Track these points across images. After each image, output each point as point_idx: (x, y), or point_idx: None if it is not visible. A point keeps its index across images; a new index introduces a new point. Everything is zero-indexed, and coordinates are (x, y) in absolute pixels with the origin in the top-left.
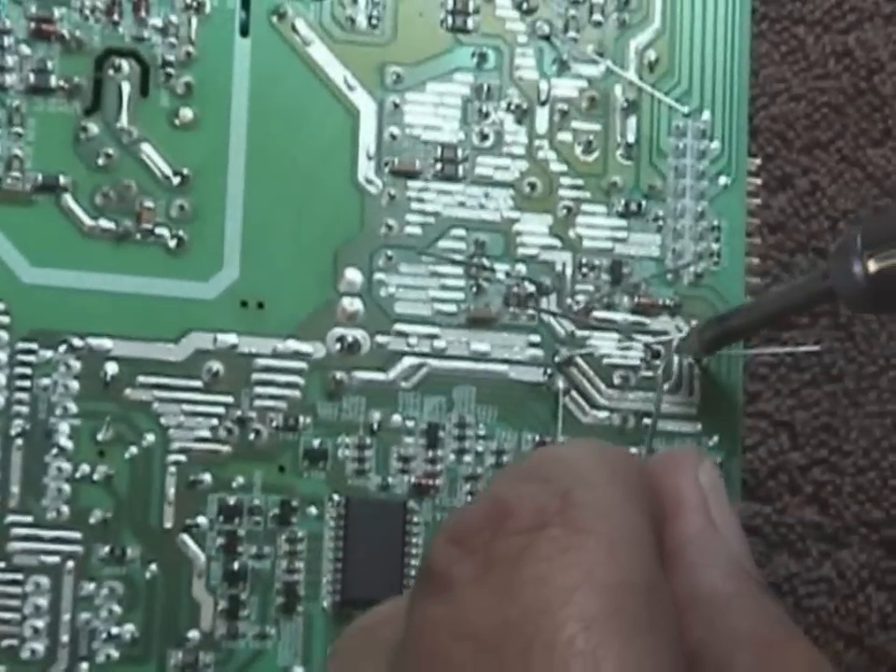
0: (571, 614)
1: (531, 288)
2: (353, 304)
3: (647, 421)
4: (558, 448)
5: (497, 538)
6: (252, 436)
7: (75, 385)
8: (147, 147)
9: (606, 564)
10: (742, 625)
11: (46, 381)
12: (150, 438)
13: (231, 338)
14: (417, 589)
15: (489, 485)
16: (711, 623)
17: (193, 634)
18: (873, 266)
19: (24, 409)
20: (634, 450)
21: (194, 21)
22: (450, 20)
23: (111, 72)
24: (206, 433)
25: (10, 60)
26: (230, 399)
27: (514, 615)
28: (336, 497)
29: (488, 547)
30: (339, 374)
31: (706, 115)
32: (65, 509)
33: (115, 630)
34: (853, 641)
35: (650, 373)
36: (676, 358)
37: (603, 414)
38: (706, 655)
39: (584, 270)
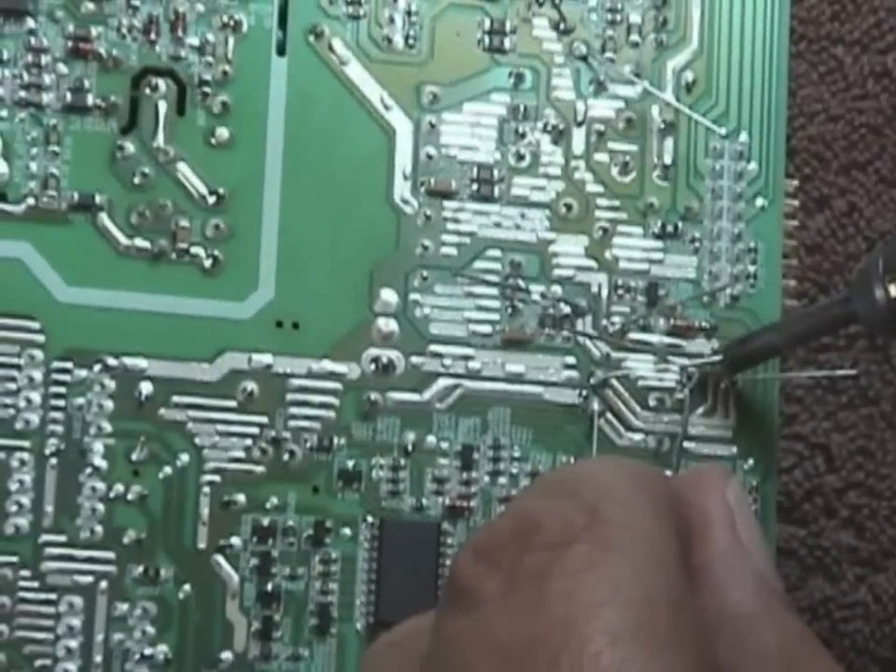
0: (598, 629)
1: (567, 310)
2: (388, 325)
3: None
4: (585, 464)
5: (524, 553)
6: (286, 456)
7: (109, 404)
8: (183, 167)
9: (632, 579)
10: (768, 643)
11: (80, 400)
12: (185, 458)
13: (265, 358)
14: (444, 603)
15: (515, 500)
16: (737, 640)
17: (226, 655)
18: (894, 291)
19: (59, 428)
20: (668, 472)
21: (231, 40)
22: (487, 40)
23: (148, 91)
24: (240, 453)
25: (47, 78)
26: (264, 420)
27: (541, 630)
28: (370, 518)
29: (515, 562)
30: (373, 395)
31: (743, 136)
32: (99, 528)
33: (148, 651)
34: (889, 666)
35: (685, 396)
36: (710, 380)
37: (638, 437)
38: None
39: (620, 291)
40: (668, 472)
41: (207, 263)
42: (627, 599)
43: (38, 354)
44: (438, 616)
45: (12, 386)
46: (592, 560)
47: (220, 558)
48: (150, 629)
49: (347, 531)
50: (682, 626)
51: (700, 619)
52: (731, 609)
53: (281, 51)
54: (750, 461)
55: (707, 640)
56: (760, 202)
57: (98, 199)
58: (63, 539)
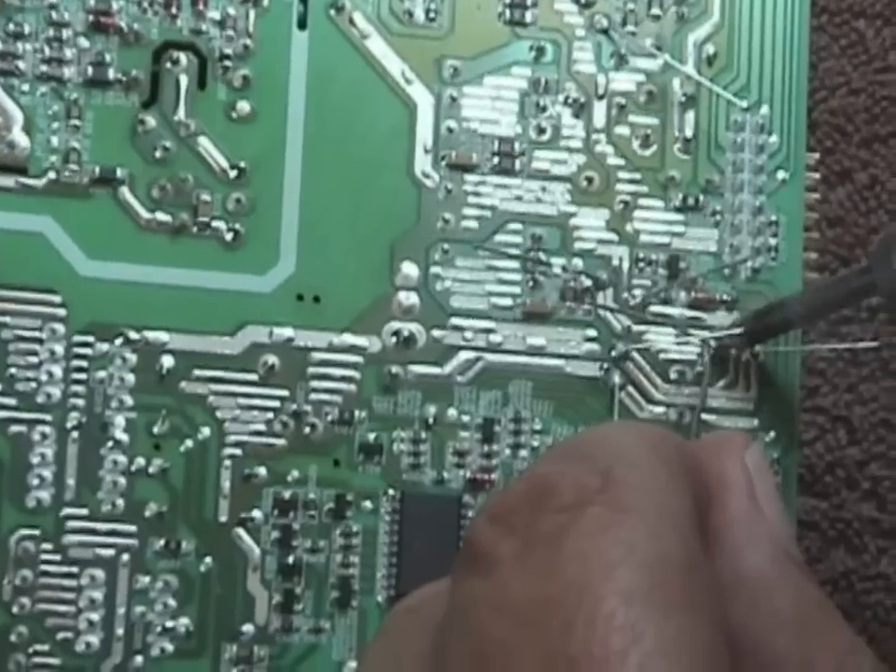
0: (612, 589)
1: (588, 283)
2: (409, 298)
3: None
4: (600, 428)
5: (539, 515)
6: (307, 430)
7: (131, 378)
8: (204, 140)
9: (646, 540)
10: (783, 607)
11: (102, 374)
12: (206, 431)
13: (286, 331)
14: (459, 567)
15: (531, 465)
16: (753, 604)
17: (248, 628)
18: None
19: (80, 402)
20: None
21: (252, 13)
22: (508, 13)
23: (169, 65)
24: (262, 427)
25: (69, 53)
26: (285, 393)
27: (555, 591)
28: (391, 491)
29: (530, 525)
30: (394, 368)
31: (764, 109)
32: (121, 502)
33: (169, 623)
34: None
35: (704, 368)
36: (732, 352)
37: (659, 409)
38: (746, 636)
39: (641, 264)
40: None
41: (228, 237)
42: (641, 560)
43: (60, 328)
44: (453, 580)
45: (34, 360)
46: (606, 522)
47: (242, 531)
48: (172, 602)
49: (368, 504)
50: (696, 587)
51: (715, 580)
52: (746, 573)
53: (302, 25)
54: (772, 434)
55: (721, 602)
56: (781, 175)
57: (119, 173)
58: (84, 512)
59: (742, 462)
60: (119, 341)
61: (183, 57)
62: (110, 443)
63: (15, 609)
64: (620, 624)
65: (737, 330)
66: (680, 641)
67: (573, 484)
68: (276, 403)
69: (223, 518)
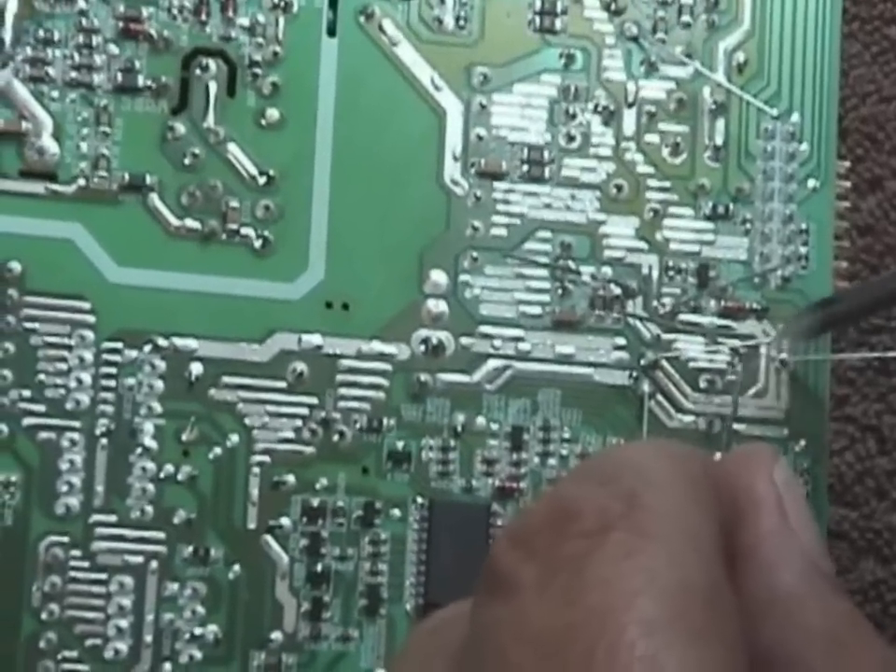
0: (633, 618)
1: (617, 291)
2: (438, 306)
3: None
4: (624, 448)
5: (561, 540)
6: (336, 437)
7: (160, 384)
8: (233, 147)
9: (668, 568)
10: (815, 624)
11: (131, 381)
12: (234, 438)
13: (315, 339)
14: (480, 590)
15: (554, 486)
16: (785, 622)
17: (276, 635)
18: None
19: (109, 408)
20: (718, 455)
21: (281, 20)
22: (537, 20)
23: (198, 71)
24: (290, 434)
25: (98, 59)
26: (314, 401)
27: (577, 618)
28: (420, 499)
29: (551, 550)
30: (423, 376)
31: (795, 117)
32: (149, 508)
33: (198, 631)
34: None
35: (736, 377)
36: (763, 362)
37: (688, 418)
38: (778, 654)
39: (671, 273)
40: (718, 455)
41: (257, 244)
42: (663, 588)
43: (89, 334)
44: (474, 603)
45: (63, 367)
46: (628, 548)
47: (270, 539)
48: (200, 609)
49: (397, 512)
50: (719, 615)
51: (738, 607)
52: (778, 591)
53: (331, 32)
54: (801, 443)
55: (745, 622)
56: (811, 183)
57: (148, 179)
58: (113, 519)
59: (770, 477)
60: (147, 348)
61: (212, 64)
62: (139, 450)
63: (44, 616)
64: (641, 655)
65: (770, 339)
66: (702, 671)
67: (596, 509)
68: (305, 411)
69: (252, 525)
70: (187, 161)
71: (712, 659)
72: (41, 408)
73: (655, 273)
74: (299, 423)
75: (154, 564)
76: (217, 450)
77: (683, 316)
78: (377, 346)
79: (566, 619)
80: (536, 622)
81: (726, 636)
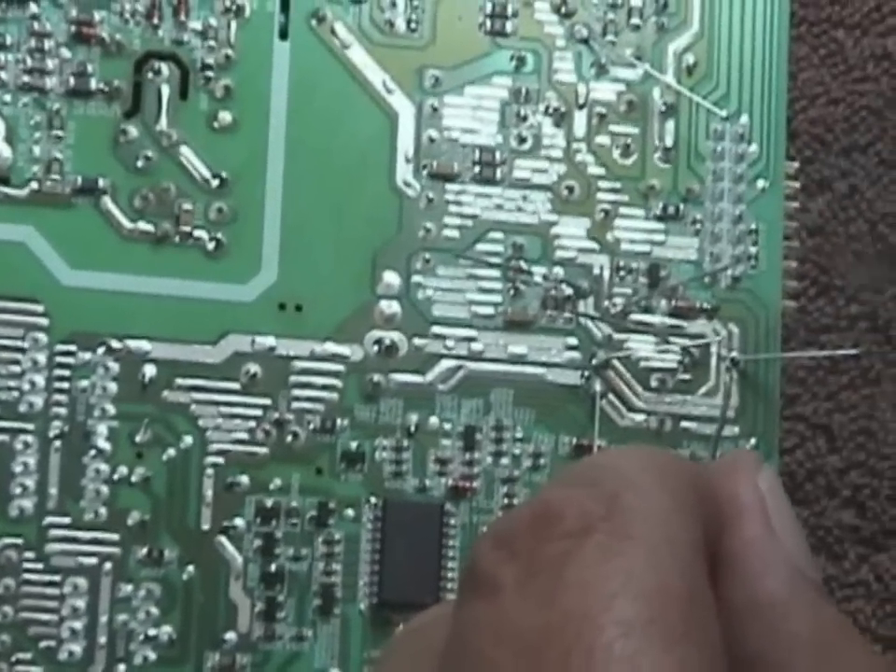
0: (611, 620)
1: (568, 291)
2: (390, 307)
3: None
4: (608, 453)
5: (543, 541)
6: (289, 438)
7: (113, 387)
8: (186, 150)
9: (646, 570)
10: (802, 631)
11: (84, 383)
12: (188, 440)
13: (268, 340)
14: (462, 589)
15: (540, 490)
16: (770, 628)
17: (230, 636)
18: None
19: (63, 411)
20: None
21: (233, 24)
22: (488, 23)
23: (150, 75)
24: (244, 435)
25: (50, 63)
26: (267, 402)
27: (555, 619)
28: (373, 499)
29: (533, 551)
30: (376, 377)
31: (744, 118)
32: (103, 510)
33: (152, 632)
34: (892, 645)
35: (687, 376)
36: (713, 361)
37: (640, 417)
38: (764, 661)
39: (622, 273)
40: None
41: (210, 246)
42: (641, 590)
43: (42, 337)
44: (456, 603)
45: (16, 369)
46: (608, 550)
47: (224, 539)
48: (154, 610)
49: (350, 512)
50: (697, 619)
51: (717, 612)
52: (763, 598)
53: (283, 35)
54: (752, 441)
55: (730, 629)
56: (761, 183)
57: (101, 183)
58: (67, 521)
59: (755, 484)
60: (101, 350)
61: (165, 67)
62: (93, 452)
63: None
64: (618, 657)
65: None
66: None
67: (577, 510)
68: (258, 412)
69: (206, 526)
70: (139, 164)
71: (689, 661)
72: None
73: (606, 274)
74: (252, 424)
75: (108, 565)
76: (171, 451)
77: (634, 316)
78: (330, 347)
79: (544, 619)
80: (515, 622)
81: (704, 639)
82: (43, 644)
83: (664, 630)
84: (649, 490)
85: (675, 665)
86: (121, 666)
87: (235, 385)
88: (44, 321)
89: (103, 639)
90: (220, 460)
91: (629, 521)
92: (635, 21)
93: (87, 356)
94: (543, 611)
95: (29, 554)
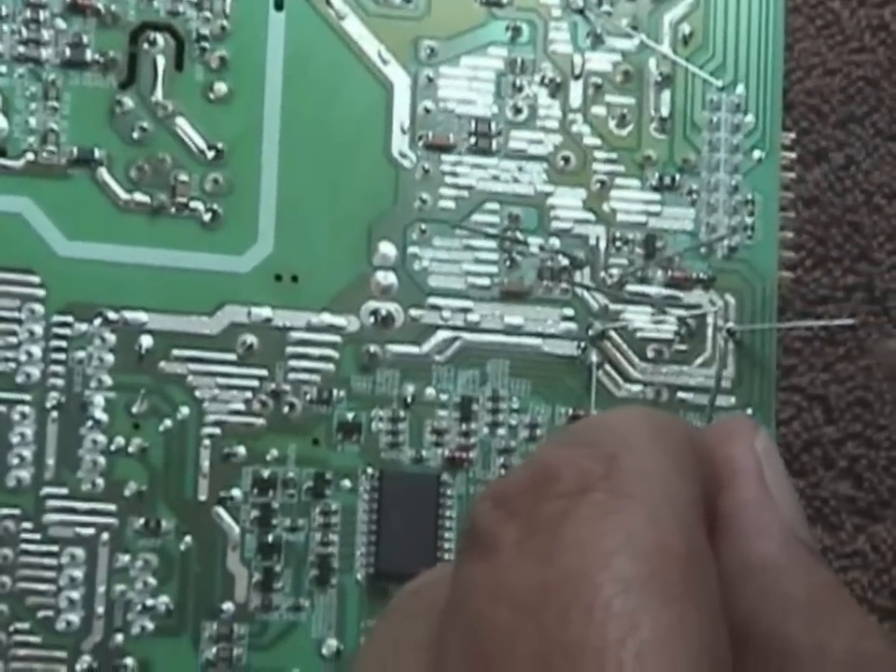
0: (609, 577)
1: (565, 262)
2: (387, 278)
3: (674, 389)
4: (606, 414)
5: (541, 501)
6: (286, 409)
7: (110, 357)
8: (181, 121)
9: (645, 528)
10: (794, 592)
11: (81, 354)
12: (185, 411)
13: (265, 311)
14: (461, 550)
15: (537, 449)
16: (763, 590)
17: (227, 606)
18: None
19: (60, 382)
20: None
21: None
22: None
23: (146, 46)
24: (241, 406)
25: (46, 34)
26: (264, 373)
27: (554, 578)
28: (370, 469)
29: (531, 510)
30: (373, 348)
31: (740, 88)
32: (100, 481)
33: (149, 602)
34: (888, 615)
35: (683, 347)
36: (709, 332)
37: (636, 388)
38: (757, 622)
39: (618, 244)
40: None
41: (206, 217)
42: (640, 548)
43: (39, 308)
44: (455, 563)
45: (13, 340)
46: (607, 508)
47: (221, 510)
48: (152, 580)
49: (347, 483)
50: (696, 577)
51: (716, 570)
52: (757, 559)
53: (279, 6)
54: (748, 412)
55: (725, 590)
56: (757, 154)
57: (97, 154)
58: (64, 491)
59: (751, 446)
60: (97, 321)
61: (160, 38)
62: (90, 423)
63: None
64: (617, 613)
65: (712, 309)
66: (678, 630)
67: (576, 470)
68: (255, 383)
69: (202, 497)
70: (135, 135)
71: (688, 618)
72: None
73: (602, 244)
74: (249, 395)
75: (105, 536)
76: (168, 422)
77: (630, 287)
78: (326, 318)
79: (543, 578)
80: (513, 581)
81: (704, 596)
82: (41, 614)
83: (663, 587)
84: (647, 450)
85: (674, 620)
86: (119, 636)
87: (232, 356)
88: (40, 292)
89: (100, 609)
90: (217, 431)
91: (628, 480)
92: None
93: (83, 327)
94: (542, 570)
95: (27, 525)
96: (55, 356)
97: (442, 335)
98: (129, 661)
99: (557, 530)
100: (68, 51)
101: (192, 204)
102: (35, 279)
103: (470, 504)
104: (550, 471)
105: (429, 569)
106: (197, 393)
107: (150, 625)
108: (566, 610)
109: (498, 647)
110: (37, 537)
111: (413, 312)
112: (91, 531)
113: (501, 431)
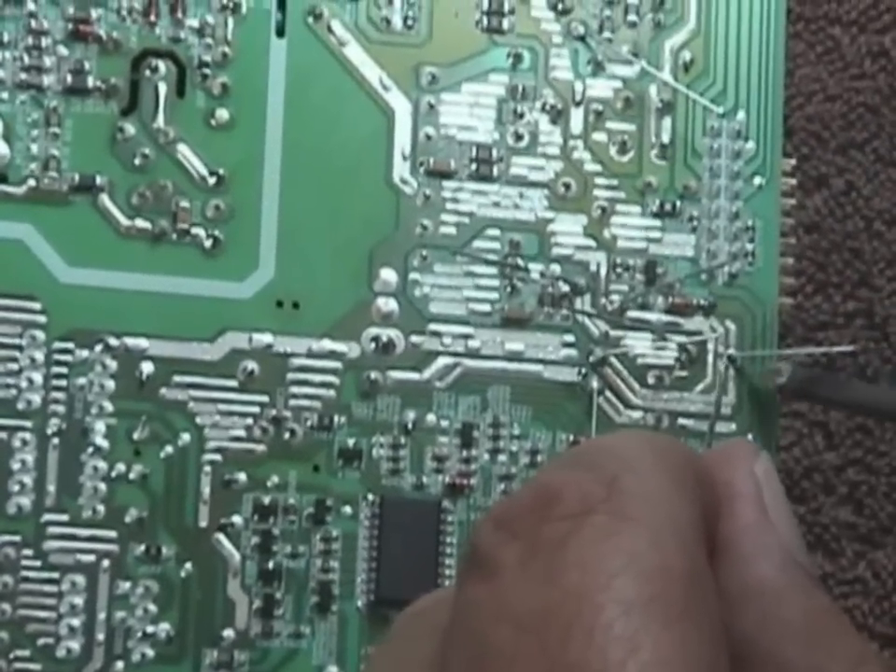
0: (611, 599)
1: (565, 288)
2: (388, 304)
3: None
4: (607, 437)
5: (543, 522)
6: (287, 435)
7: (111, 384)
8: (183, 148)
9: (647, 550)
10: (792, 617)
11: (82, 380)
12: (186, 437)
13: (266, 338)
14: (463, 571)
15: (539, 471)
16: (762, 614)
17: (228, 633)
18: None
19: (61, 408)
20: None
21: (230, 21)
22: (485, 20)
23: (148, 73)
24: (241, 432)
25: (48, 61)
26: (265, 399)
27: (555, 599)
28: (371, 496)
29: (533, 531)
30: (374, 374)
31: (741, 115)
32: (101, 508)
33: (150, 629)
34: (888, 642)
35: (683, 373)
36: (710, 358)
37: (637, 414)
38: (755, 646)
39: (619, 270)
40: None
41: (208, 244)
42: (641, 570)
43: (40, 334)
44: (457, 584)
45: (14, 367)
46: (608, 530)
47: (222, 537)
48: (152, 607)
49: (348, 509)
50: (697, 599)
51: (717, 592)
52: (756, 583)
53: (280, 33)
54: (749, 438)
55: (722, 614)
56: (758, 180)
57: (99, 180)
58: (65, 518)
59: (751, 471)
60: (98, 347)
61: (162, 65)
62: (90, 449)
63: None
64: (618, 635)
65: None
66: (679, 653)
67: (578, 492)
68: (256, 409)
69: (203, 523)
70: (137, 162)
71: (689, 640)
72: None
73: (603, 271)
74: (250, 421)
75: (106, 562)
76: (169, 449)
77: (631, 313)
78: (327, 345)
79: (544, 600)
80: (515, 602)
81: (705, 617)
82: (41, 641)
83: (664, 608)
84: (648, 472)
85: (675, 642)
86: (119, 664)
87: (233, 383)
88: (42, 318)
89: (101, 637)
90: (218, 457)
91: (629, 502)
92: (631, 17)
93: (84, 353)
94: (544, 591)
95: (27, 552)
96: (56, 382)
97: (443, 361)
98: None
99: (559, 552)
100: (70, 78)
101: (193, 231)
102: (37, 305)
103: (472, 526)
104: (551, 493)
105: (431, 592)
106: (198, 419)
107: (151, 652)
108: (567, 632)
109: (500, 668)
110: (38, 564)
111: (414, 338)
112: (91, 558)
113: (502, 458)
